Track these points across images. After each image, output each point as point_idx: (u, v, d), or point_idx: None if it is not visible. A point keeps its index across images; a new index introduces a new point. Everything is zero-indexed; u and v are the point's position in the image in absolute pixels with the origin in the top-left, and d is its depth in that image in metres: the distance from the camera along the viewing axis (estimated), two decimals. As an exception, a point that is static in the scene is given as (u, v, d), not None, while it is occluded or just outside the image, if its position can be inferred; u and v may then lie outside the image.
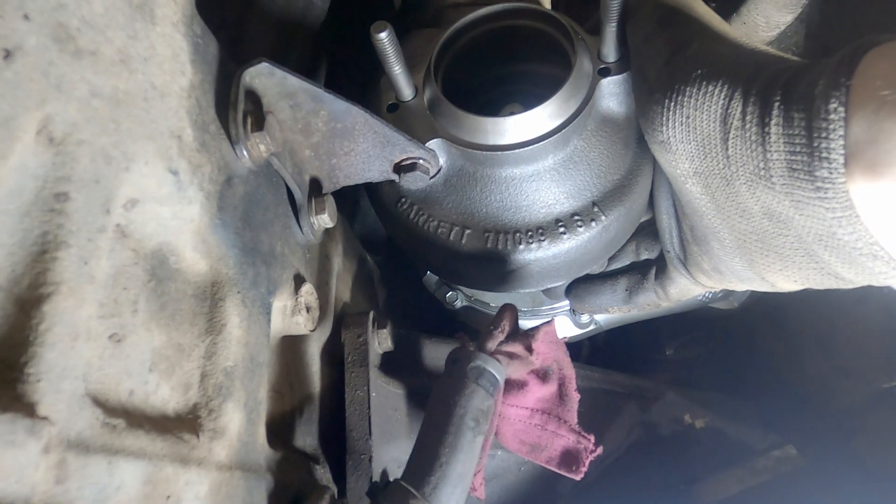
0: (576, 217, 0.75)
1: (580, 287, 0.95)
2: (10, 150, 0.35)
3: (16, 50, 0.35)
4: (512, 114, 0.71)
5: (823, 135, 0.46)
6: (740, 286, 0.72)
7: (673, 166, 0.63)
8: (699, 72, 0.58)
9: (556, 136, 0.70)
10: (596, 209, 0.75)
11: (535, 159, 0.73)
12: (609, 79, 0.72)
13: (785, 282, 0.63)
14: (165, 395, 0.51)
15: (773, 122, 0.51)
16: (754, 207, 0.57)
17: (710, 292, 1.14)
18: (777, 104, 0.50)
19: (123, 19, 0.47)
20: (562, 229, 0.75)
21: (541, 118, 0.71)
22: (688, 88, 0.58)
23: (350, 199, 1.24)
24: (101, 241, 0.42)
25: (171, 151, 0.51)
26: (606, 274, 0.94)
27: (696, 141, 0.59)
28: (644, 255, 0.91)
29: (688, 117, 0.58)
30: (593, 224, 0.75)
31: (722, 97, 0.55)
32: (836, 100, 0.46)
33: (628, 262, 0.92)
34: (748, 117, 0.53)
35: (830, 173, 0.47)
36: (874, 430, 1.16)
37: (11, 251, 0.36)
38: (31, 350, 0.35)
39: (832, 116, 0.46)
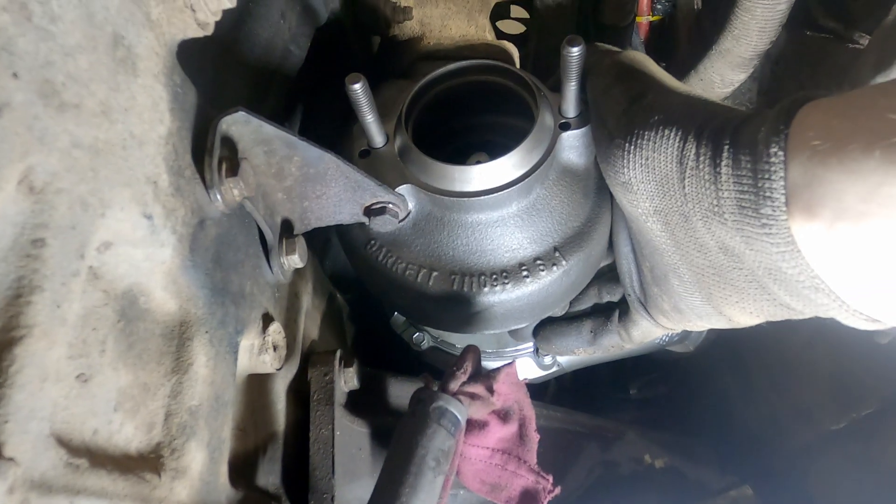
0: (538, 261, 0.79)
1: (547, 329, 0.98)
2: (-8, 200, 0.37)
3: (3, 106, 0.38)
4: (478, 162, 0.75)
5: (766, 176, 0.50)
6: (699, 324, 0.75)
7: (634, 206, 0.66)
8: (656, 118, 0.62)
9: (519, 184, 0.75)
10: (557, 254, 0.79)
11: (500, 206, 0.77)
12: (569, 132, 0.77)
13: (741, 314, 0.66)
14: (129, 435, 0.52)
15: (723, 163, 0.55)
16: (710, 242, 0.60)
17: (668, 335, 1.18)
18: (727, 147, 0.54)
19: (107, 73, 0.50)
20: (525, 273, 0.79)
21: (505, 167, 0.75)
22: (646, 132, 0.62)
23: (321, 238, 1.26)
24: (74, 285, 0.43)
25: (147, 197, 0.53)
26: (571, 316, 0.97)
27: (655, 181, 0.62)
28: (606, 298, 0.95)
29: (647, 159, 0.62)
30: (555, 268, 0.79)
31: (677, 140, 0.59)
32: (775, 145, 0.50)
33: (590, 305, 0.96)
34: (701, 158, 0.57)
35: (773, 211, 0.50)
36: (825, 470, 1.20)
37: (-14, 295, 0.38)
38: (1, 392, 0.36)
39: (773, 160, 0.50)
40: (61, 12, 0.44)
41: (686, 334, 1.18)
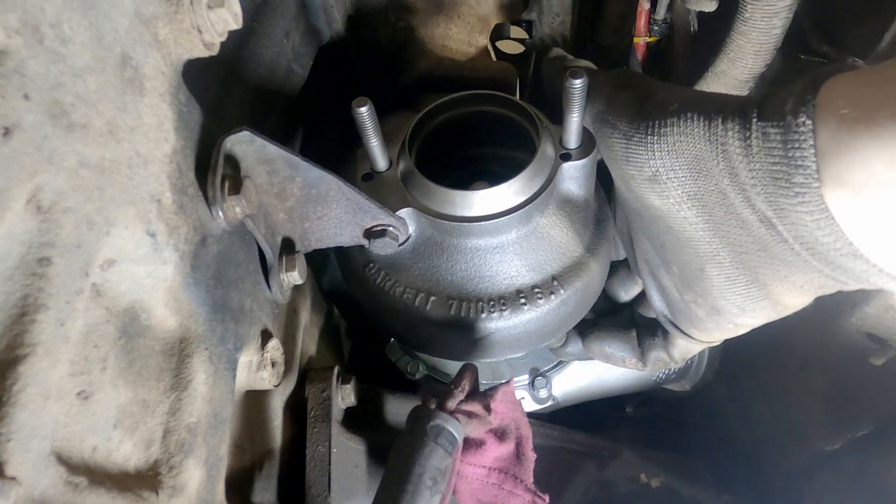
0: (536, 290, 0.80)
1: (601, 331, 0.98)
2: (1, 220, 0.37)
3: (14, 127, 0.38)
4: (479, 189, 0.76)
5: (796, 145, 0.51)
6: (740, 321, 0.72)
7: (664, 197, 0.65)
8: (675, 106, 0.62)
9: (519, 211, 0.75)
10: (555, 283, 0.80)
11: (500, 232, 0.78)
12: (570, 163, 0.78)
13: (790, 291, 0.63)
14: (127, 452, 0.52)
15: (752, 136, 0.55)
16: (751, 217, 0.59)
17: (666, 372, 1.19)
18: (755, 120, 0.54)
19: (114, 93, 0.50)
20: (522, 300, 0.79)
21: (506, 194, 0.76)
22: (668, 119, 0.62)
23: (320, 254, 1.26)
24: (78, 303, 0.44)
25: (151, 215, 0.54)
26: (619, 325, 0.98)
27: (685, 165, 0.62)
28: (622, 296, 0.96)
29: (673, 144, 0.62)
30: (552, 297, 0.80)
31: (702, 120, 0.59)
32: (803, 114, 0.50)
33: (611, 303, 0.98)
34: (730, 133, 0.57)
35: (806, 179, 0.51)
36: (820, 490, 1.20)
37: (-8, 313, 0.38)
38: (3, 410, 0.37)
39: (802, 129, 0.50)
40: (72, 34, 0.45)
41: (684, 372, 1.20)
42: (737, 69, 1.22)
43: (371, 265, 0.86)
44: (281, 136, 0.98)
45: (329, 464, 0.81)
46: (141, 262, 0.54)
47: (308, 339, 0.98)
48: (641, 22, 1.61)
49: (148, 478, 0.53)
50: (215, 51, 0.66)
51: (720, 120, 0.58)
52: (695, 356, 1.22)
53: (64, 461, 0.43)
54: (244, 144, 0.67)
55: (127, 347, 0.53)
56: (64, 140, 0.43)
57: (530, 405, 1.18)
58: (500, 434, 0.80)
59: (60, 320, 0.41)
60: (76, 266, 0.44)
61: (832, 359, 1.09)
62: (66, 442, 0.45)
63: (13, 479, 0.34)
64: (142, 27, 0.55)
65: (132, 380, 0.54)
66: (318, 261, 1.25)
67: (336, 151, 1.16)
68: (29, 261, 0.40)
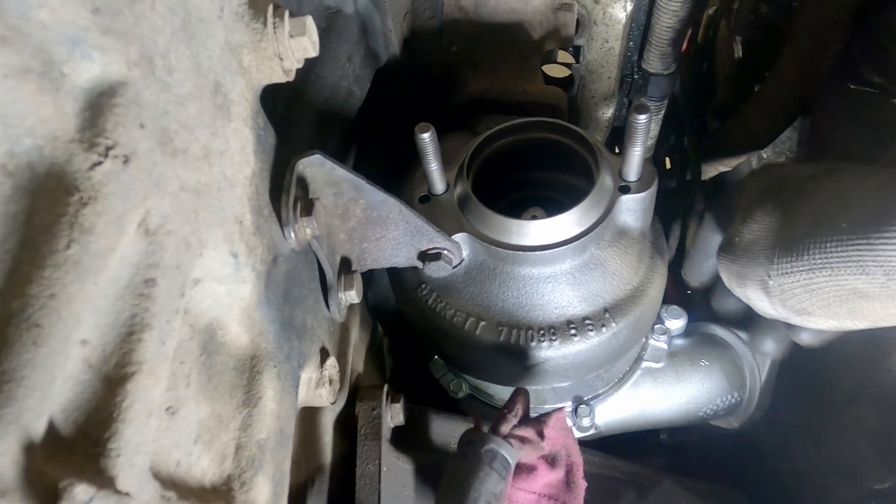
0: (587, 321, 0.80)
1: None
2: (119, 243, 0.39)
3: (132, 155, 0.40)
4: (534, 217, 0.77)
5: None
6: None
7: None
8: None
9: (575, 242, 0.76)
10: (607, 315, 0.80)
11: (554, 262, 0.78)
12: (628, 196, 0.78)
13: None
14: (205, 467, 0.53)
15: None
16: None
17: (713, 408, 1.18)
18: None
19: (209, 119, 0.52)
20: (573, 331, 0.80)
21: (563, 225, 0.76)
22: None
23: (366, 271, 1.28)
24: (176, 322, 0.46)
25: (234, 236, 0.56)
26: None
27: None
28: None
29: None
30: (604, 329, 0.80)
31: None
32: None
33: None
34: None
35: None
36: (866, 530, 1.17)
37: (104, 332, 0.40)
38: (114, 426, 0.38)
39: None
40: (177, 64, 0.48)
41: (734, 408, 1.18)
42: (782, 96, 1.22)
43: (423, 286, 0.87)
44: (340, 157, 1.01)
45: (379, 482, 0.82)
46: (223, 281, 0.55)
47: (357, 357, 0.99)
48: (683, 46, 1.62)
49: (222, 492, 0.55)
50: (292, 77, 0.68)
51: None
52: (746, 392, 1.20)
53: (157, 476, 0.45)
54: (314, 167, 0.69)
55: (207, 364, 0.55)
56: (169, 165, 0.45)
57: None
58: (551, 460, 0.80)
59: (162, 339, 0.43)
60: (176, 286, 0.45)
61: (883, 394, 1.07)
62: (157, 457, 0.46)
63: (127, 494, 0.35)
64: (230, 55, 0.58)
65: (210, 395, 0.55)
66: (365, 277, 1.26)
67: (384, 172, 1.18)
68: (137, 282, 0.42)
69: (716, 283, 1.21)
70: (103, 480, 0.36)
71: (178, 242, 0.46)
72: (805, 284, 0.64)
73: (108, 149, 0.38)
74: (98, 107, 0.39)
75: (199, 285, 0.53)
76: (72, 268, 0.35)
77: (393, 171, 1.10)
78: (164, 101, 0.45)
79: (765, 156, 1.47)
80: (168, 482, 0.46)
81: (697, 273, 1.20)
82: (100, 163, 0.38)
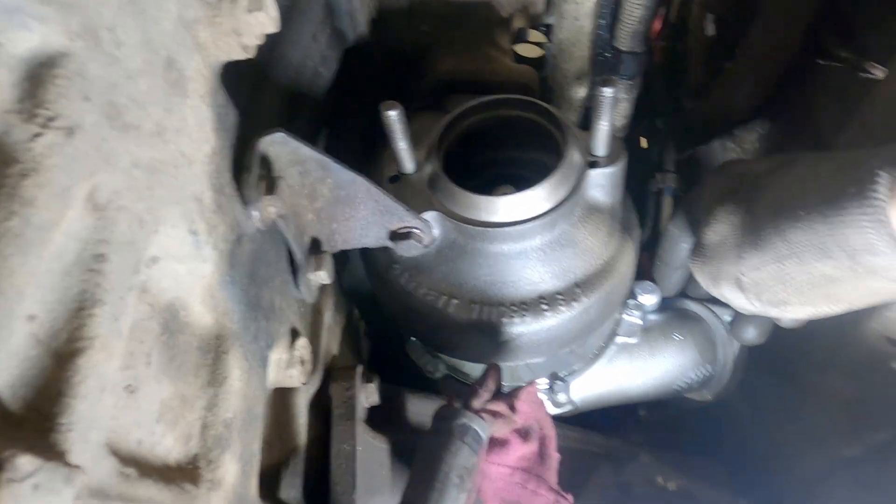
0: (558, 296, 0.80)
1: None
2: (63, 217, 0.39)
3: (76, 128, 0.40)
4: (505, 194, 0.77)
5: None
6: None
7: None
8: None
9: (544, 218, 0.76)
10: (578, 290, 0.80)
11: (524, 238, 0.79)
12: (597, 170, 0.79)
13: None
14: (169, 446, 0.53)
15: None
16: None
17: (687, 382, 1.20)
18: None
19: (162, 95, 0.52)
20: (545, 306, 0.80)
21: (532, 200, 0.76)
22: None
23: (342, 254, 1.27)
24: (130, 299, 0.45)
25: (193, 214, 0.55)
26: None
27: None
28: None
29: None
30: (574, 304, 0.80)
31: None
32: None
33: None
34: None
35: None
36: (838, 496, 1.20)
37: (52, 308, 0.39)
38: (65, 401, 0.38)
39: None
40: (125, 38, 0.47)
41: (707, 381, 1.19)
42: (752, 72, 1.23)
43: (395, 266, 0.87)
44: (307, 138, 0.99)
45: (354, 462, 0.82)
46: (183, 259, 0.55)
47: (331, 339, 0.99)
48: (657, 26, 1.63)
49: (188, 471, 0.54)
50: (252, 53, 0.67)
51: None
52: (719, 365, 1.22)
53: (115, 453, 0.44)
54: (278, 146, 0.69)
55: (168, 343, 0.55)
56: (119, 141, 0.45)
57: (548, 409, 1.18)
58: (523, 434, 0.80)
59: (115, 315, 0.43)
60: (129, 263, 0.45)
61: (852, 364, 1.09)
62: (116, 434, 0.46)
63: (78, 467, 0.35)
64: (184, 30, 0.57)
65: (173, 375, 0.55)
66: (339, 261, 1.26)
67: (355, 152, 1.17)
68: (86, 257, 0.41)
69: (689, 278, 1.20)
70: (53, 454, 0.35)
71: (131, 218, 0.46)
72: (776, 276, 0.65)
73: (50, 119, 0.37)
74: (38, 77, 0.38)
75: (158, 264, 0.53)
76: (12, 240, 0.34)
77: (367, 152, 1.09)
78: (112, 75, 0.45)
79: (737, 133, 1.48)
80: (129, 459, 0.46)
81: (667, 285, 1.17)
82: (40, 134, 0.37)
